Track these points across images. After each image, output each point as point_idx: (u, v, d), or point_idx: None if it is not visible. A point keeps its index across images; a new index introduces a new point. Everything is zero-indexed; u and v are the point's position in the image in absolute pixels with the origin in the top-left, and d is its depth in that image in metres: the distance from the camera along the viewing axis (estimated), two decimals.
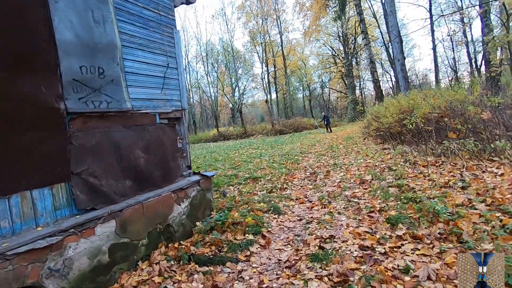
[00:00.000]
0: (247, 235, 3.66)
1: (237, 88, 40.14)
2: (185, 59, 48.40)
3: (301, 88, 49.04)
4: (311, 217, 4.20)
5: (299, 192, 5.66)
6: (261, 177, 7.19)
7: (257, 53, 38.87)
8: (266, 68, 38.70)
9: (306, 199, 5.17)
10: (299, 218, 4.28)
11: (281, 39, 38.01)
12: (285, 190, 5.91)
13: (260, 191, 5.99)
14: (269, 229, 3.93)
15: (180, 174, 4.00)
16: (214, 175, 4.46)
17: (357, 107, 27.81)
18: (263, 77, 37.01)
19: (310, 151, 11.21)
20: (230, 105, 38.85)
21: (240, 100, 39.34)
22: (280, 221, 4.24)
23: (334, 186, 5.63)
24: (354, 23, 30.49)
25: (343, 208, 4.33)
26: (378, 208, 3.96)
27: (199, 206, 4.04)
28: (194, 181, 4.00)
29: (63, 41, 2.62)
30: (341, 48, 34.08)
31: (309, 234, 3.59)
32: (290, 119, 32.12)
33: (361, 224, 3.59)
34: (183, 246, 3.42)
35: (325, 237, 3.37)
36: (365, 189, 5.05)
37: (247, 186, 6.50)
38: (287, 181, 6.56)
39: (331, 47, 36.59)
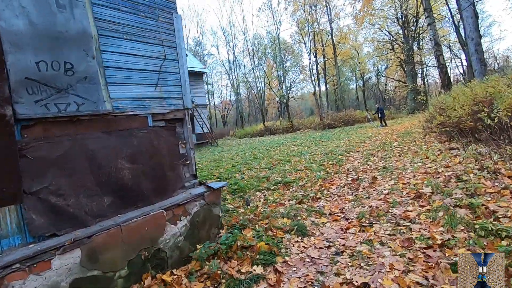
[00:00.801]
0: (255, 266, 2.89)
1: (284, 81, 39.02)
2: (232, 54, 48.89)
3: (354, 78, 45.76)
4: (343, 245, 3.24)
5: (334, 205, 4.66)
6: (294, 181, 6.30)
7: (305, 43, 37.08)
8: (315, 58, 36.75)
9: (342, 216, 4.17)
10: (328, 244, 3.35)
11: (331, 27, 35.61)
12: (318, 200, 4.96)
13: (288, 200, 5.14)
14: (287, 258, 3.11)
15: (181, 185, 3.39)
16: (224, 186, 3.77)
17: (418, 97, 24.59)
18: (311, 68, 35.20)
19: (358, 149, 9.86)
20: (277, 99, 37.92)
21: (287, 94, 38.19)
22: (303, 246, 3.37)
23: (380, 199, 4.50)
24: (415, 2, 26.87)
25: (388, 235, 3.27)
26: (439, 242, 2.84)
27: (203, 224, 3.40)
28: (197, 195, 3.35)
29: (10, 31, 2.14)
30: (400, 31, 30.49)
31: (335, 274, 2.68)
32: (340, 112, 30.00)
33: (411, 267, 2.55)
34: (175, 277, 2.80)
35: (356, 284, 2.43)
36: (422, 207, 3.86)
37: (276, 193, 5.69)
38: (322, 188, 5.57)
39: (388, 31, 33.00)
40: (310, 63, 35.79)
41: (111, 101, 2.74)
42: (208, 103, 41.77)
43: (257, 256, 3.06)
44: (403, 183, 4.96)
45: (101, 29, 2.70)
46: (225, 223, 3.89)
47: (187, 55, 20.22)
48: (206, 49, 48.85)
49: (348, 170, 6.78)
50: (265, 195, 5.68)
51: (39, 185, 2.25)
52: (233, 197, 5.77)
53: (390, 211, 3.94)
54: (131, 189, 2.82)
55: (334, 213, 4.31)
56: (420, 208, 3.82)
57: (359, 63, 39.04)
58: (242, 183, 6.50)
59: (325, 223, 4.00)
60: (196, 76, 25.88)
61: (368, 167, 6.75)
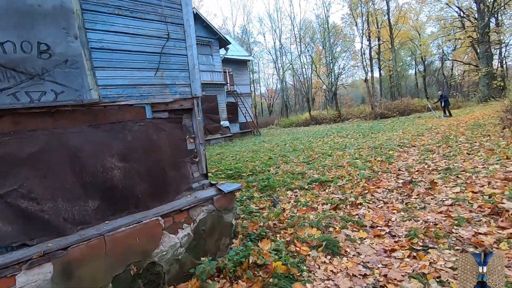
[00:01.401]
0: None
1: (333, 67, 36.75)
2: (278, 40, 47.49)
3: (413, 63, 41.23)
4: (385, 276, 2.48)
5: (378, 214, 3.82)
6: (332, 181, 5.50)
7: (357, 26, 34.18)
8: (368, 42, 33.75)
9: (387, 231, 3.34)
10: (364, 271, 2.61)
11: (388, 6, 32.11)
12: (358, 207, 4.14)
13: (322, 203, 4.41)
14: (308, 286, 2.46)
15: (187, 187, 2.92)
16: (238, 188, 3.22)
17: (493, 83, 20.96)
18: (363, 53, 32.41)
19: (414, 144, 8.49)
20: (324, 87, 35.97)
21: (335, 81, 35.97)
22: (331, 270, 2.68)
23: (441, 212, 3.53)
24: None
25: (451, 269, 2.41)
26: None
27: (211, 233, 2.90)
28: (204, 199, 2.86)
29: None
30: (473, 6, 26.13)
31: None
32: (395, 100, 27.20)
33: None
34: None
35: None
36: (502, 229, 2.86)
37: (309, 193, 4.98)
38: (365, 191, 4.70)
39: (458, 6, 28.57)
40: (362, 47, 32.98)
41: (99, 89, 2.34)
42: (252, 91, 41.55)
43: (270, 280, 2.47)
44: (473, 192, 3.87)
45: (86, 3, 2.28)
46: (241, 230, 3.36)
47: (229, 43, 19.93)
48: (253, 37, 48.27)
49: (399, 170, 5.72)
50: (297, 195, 5.01)
51: (7, 188, 1.94)
52: (261, 195, 5.22)
53: (454, 231, 3.00)
54: (122, 192, 2.43)
55: (377, 226, 3.49)
56: (500, 231, 2.82)
57: (420, 45, 34.81)
58: (273, 180, 5.91)
59: (364, 239, 3.22)
60: (240, 64, 25.59)
61: (426, 166, 5.60)
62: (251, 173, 7.31)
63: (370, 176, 5.44)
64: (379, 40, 33.84)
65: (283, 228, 3.57)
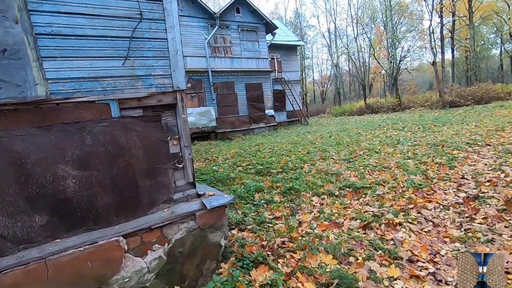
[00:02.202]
0: None
1: (396, 50, 32.92)
2: (333, 22, 44.13)
3: (498, 41, 34.79)
4: None
5: (422, 242, 2.89)
6: (370, 187, 4.57)
7: (426, 0, 29.80)
8: (439, 19, 29.25)
9: (431, 271, 2.44)
10: None
11: None
12: (396, 228, 3.24)
13: (350, 218, 3.59)
14: None
15: (166, 198, 2.45)
16: (229, 202, 2.63)
17: None
18: (431, 31, 28.20)
19: (489, 142, 6.81)
20: (383, 71, 32.58)
21: (398, 65, 32.23)
22: None
23: None
24: None
25: None
26: None
27: (191, 256, 2.41)
28: (183, 215, 2.36)
29: None
30: None
31: None
32: (471, 86, 23.19)
33: None
34: None
35: None
36: None
37: (337, 202, 4.16)
38: (411, 205, 3.72)
39: None
40: (431, 25, 28.71)
41: (47, 84, 1.95)
42: (303, 78, 39.91)
43: None
44: None
45: None
46: (237, 250, 2.81)
47: (276, 28, 18.96)
48: (306, 21, 45.90)
49: (463, 178, 4.49)
50: (323, 204, 4.23)
51: None
52: (282, 199, 4.57)
53: None
54: (77, 205, 2.06)
55: (417, 261, 2.61)
56: None
57: (510, 19, 28.98)
58: (299, 182, 5.19)
59: (395, 279, 2.40)
60: (289, 49, 24.46)
61: (502, 176, 4.28)
62: (281, 170, 6.67)
63: (420, 185, 4.36)
64: (453, 15, 29.06)
65: (292, 249, 2.91)
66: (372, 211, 3.68)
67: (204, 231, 2.46)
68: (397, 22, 34.44)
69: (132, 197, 2.26)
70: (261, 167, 7.14)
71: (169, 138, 2.48)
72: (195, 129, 16.17)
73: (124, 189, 2.22)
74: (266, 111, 18.83)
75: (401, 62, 32.84)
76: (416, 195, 4.04)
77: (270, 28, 18.91)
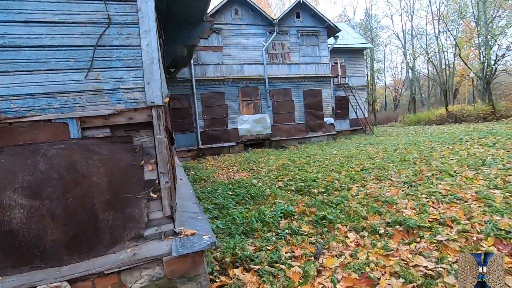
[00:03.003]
0: None
1: (491, 49, 27.67)
2: (409, 21, 39.59)
3: None
4: None
5: None
6: (430, 227, 3.47)
7: None
8: None
9: None
10: None
11: None
12: None
13: (392, 274, 2.67)
14: None
15: (135, 234, 2.05)
16: (207, 247, 2.07)
17: None
18: None
19: None
20: (471, 74, 27.67)
21: (492, 66, 27.00)
22: None
23: None
24: None
25: None
26: None
27: None
28: (148, 258, 1.92)
29: None
30: None
31: None
32: None
33: None
34: None
35: None
36: None
37: (380, 244, 3.22)
38: None
39: None
40: None
41: None
42: (368, 84, 36.90)
43: None
44: None
45: None
46: None
47: (339, 31, 17.69)
48: (378, 21, 42.39)
49: None
50: (358, 245, 3.35)
51: None
52: (311, 230, 3.82)
53: None
54: (24, 239, 1.80)
55: None
56: None
57: None
58: (336, 210, 4.34)
59: None
60: (354, 53, 22.72)
61: None
62: (324, 190, 5.82)
63: (509, 233, 3.10)
64: None
65: None
66: (426, 267, 2.69)
67: (172, 282, 1.98)
68: (493, 15, 28.98)
69: (89, 233, 1.92)
70: (303, 184, 6.40)
71: (143, 162, 2.09)
72: (250, 136, 16.09)
73: (79, 223, 1.90)
74: (325, 119, 17.67)
75: (498, 62, 27.41)
76: (499, 249, 2.86)
77: (332, 31, 17.79)
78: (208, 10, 15.50)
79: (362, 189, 5.71)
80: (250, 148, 16.09)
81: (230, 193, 6.17)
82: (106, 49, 1.94)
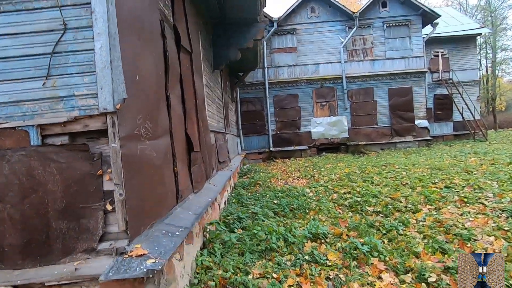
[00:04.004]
0: None
1: None
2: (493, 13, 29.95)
3: None
4: None
5: None
6: None
7: None
8: None
9: None
10: None
11: None
12: None
13: None
14: None
15: (87, 247, 1.95)
16: (145, 273, 1.76)
17: None
18: None
19: None
20: None
21: None
22: None
23: None
24: None
25: None
26: None
27: None
28: (87, 276, 1.79)
29: None
30: None
31: None
32: None
33: None
34: None
35: None
36: None
37: None
38: None
39: None
40: None
41: None
42: (483, 78, 29.92)
43: None
44: None
45: None
46: None
47: (438, 16, 14.76)
48: (505, 0, 33.70)
49: None
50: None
51: None
52: (339, 258, 3.11)
53: None
54: None
55: None
56: None
57: None
58: (376, 242, 3.43)
59: None
60: (462, 41, 18.75)
61: None
62: (382, 209, 4.81)
63: None
64: None
65: None
66: None
67: None
68: None
69: (41, 240, 1.93)
70: (359, 199, 5.48)
71: (100, 171, 1.99)
72: (324, 140, 15.16)
73: (34, 229, 1.92)
74: (416, 122, 15.10)
75: None
76: None
77: (428, 18, 15.07)
78: (282, 12, 15.34)
79: (434, 213, 4.47)
80: (323, 153, 15.13)
81: (276, 201, 5.77)
82: (62, 56, 1.92)
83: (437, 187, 5.88)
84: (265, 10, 14.57)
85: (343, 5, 15.11)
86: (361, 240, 3.45)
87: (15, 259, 1.92)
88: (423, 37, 15.36)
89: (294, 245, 3.52)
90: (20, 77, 1.93)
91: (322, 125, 15.18)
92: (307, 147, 15.10)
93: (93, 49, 1.89)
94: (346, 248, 3.33)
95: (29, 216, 1.93)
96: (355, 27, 14.66)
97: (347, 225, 4.17)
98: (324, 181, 7.67)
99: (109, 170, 1.98)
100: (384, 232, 3.85)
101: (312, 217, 4.72)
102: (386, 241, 3.59)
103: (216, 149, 6.11)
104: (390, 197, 5.51)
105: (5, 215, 1.93)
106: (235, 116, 12.40)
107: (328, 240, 3.68)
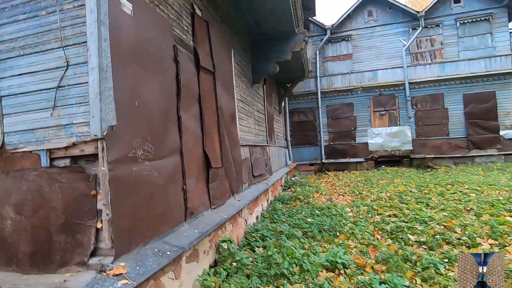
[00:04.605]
0: None
1: None
2: None
3: None
4: None
5: None
6: None
7: None
8: None
9: None
10: None
11: None
12: None
13: None
14: None
15: (80, 260, 2.14)
16: None
17: None
18: None
19: None
20: None
21: None
22: None
23: None
24: None
25: None
26: None
27: None
28: None
29: None
30: None
31: None
32: None
33: None
34: None
35: None
36: None
37: None
38: None
39: None
40: None
41: (4, 136, 2.32)
42: None
43: None
44: None
45: None
46: None
47: None
48: None
49: None
50: None
51: None
52: None
53: None
54: (12, 246, 2.26)
55: None
56: None
57: None
58: (403, 280, 2.94)
59: None
60: None
61: None
62: (427, 240, 4.15)
63: None
64: None
65: None
66: None
67: None
68: None
69: (45, 251, 2.19)
70: (404, 224, 4.85)
71: (93, 192, 2.18)
72: (383, 152, 13.95)
73: (40, 241, 2.20)
74: (502, 132, 12.75)
75: None
76: None
77: None
78: (336, 19, 14.80)
79: (496, 250, 3.65)
80: (382, 166, 13.90)
81: (310, 220, 5.50)
82: (64, 89, 2.19)
83: (509, 217, 4.81)
84: (317, 18, 14.27)
85: (406, 5, 13.85)
86: (384, 276, 3.01)
87: (25, 265, 2.23)
88: (511, 32, 13.00)
89: (308, 273, 3.27)
90: (35, 109, 2.27)
91: (381, 136, 13.98)
92: (364, 160, 14.06)
93: (87, 82, 2.11)
94: (365, 284, 2.95)
95: (37, 229, 2.22)
96: (420, 28, 13.26)
97: (377, 255, 3.71)
98: (371, 200, 7.01)
99: (100, 191, 2.16)
100: (420, 269, 3.30)
101: (340, 241, 4.34)
102: (419, 281, 3.07)
103: (250, 163, 6.14)
104: (443, 225, 4.72)
105: (22, 226, 2.26)
106: (283, 128, 12.31)
107: (348, 271, 3.32)
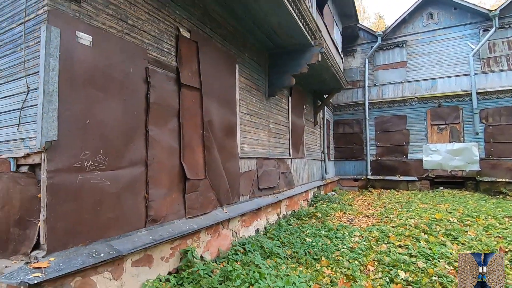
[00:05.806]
0: None
1: None
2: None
3: None
4: None
5: None
6: None
7: None
8: None
9: None
10: None
11: None
12: None
13: None
14: None
15: (25, 251, 2.57)
16: (19, 284, 2.11)
17: None
18: None
19: None
20: None
21: None
22: None
23: None
24: None
25: None
26: None
27: None
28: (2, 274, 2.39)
29: None
30: None
31: None
32: None
33: None
34: None
35: None
36: None
37: None
38: None
39: None
40: None
41: None
42: None
43: None
44: None
45: None
46: None
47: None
48: None
49: None
50: None
51: None
52: None
53: None
54: None
55: None
56: None
57: None
58: None
59: None
60: None
61: None
62: (417, 280, 3.58)
63: None
64: None
65: None
66: None
67: None
68: None
69: (4, 239, 2.69)
70: (407, 257, 4.28)
71: (39, 195, 2.62)
72: (441, 172, 12.29)
73: (2, 231, 2.72)
74: None
75: None
76: None
77: None
78: (389, 23, 13.65)
79: None
80: (440, 187, 12.22)
81: (308, 240, 5.27)
82: (26, 110, 2.68)
83: None
84: (367, 24, 13.47)
85: (476, 4, 12.02)
86: None
87: None
88: None
89: None
90: (8, 124, 2.84)
91: (440, 153, 12.27)
92: (417, 179, 12.53)
93: (37, 104, 2.56)
94: None
95: (2, 221, 2.75)
96: (494, 29, 11.32)
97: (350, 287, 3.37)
98: (393, 226, 6.27)
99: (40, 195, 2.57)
100: None
101: (319, 267, 4.05)
102: None
103: (256, 176, 6.17)
104: (454, 265, 3.98)
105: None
106: (320, 140, 11.85)
107: None
